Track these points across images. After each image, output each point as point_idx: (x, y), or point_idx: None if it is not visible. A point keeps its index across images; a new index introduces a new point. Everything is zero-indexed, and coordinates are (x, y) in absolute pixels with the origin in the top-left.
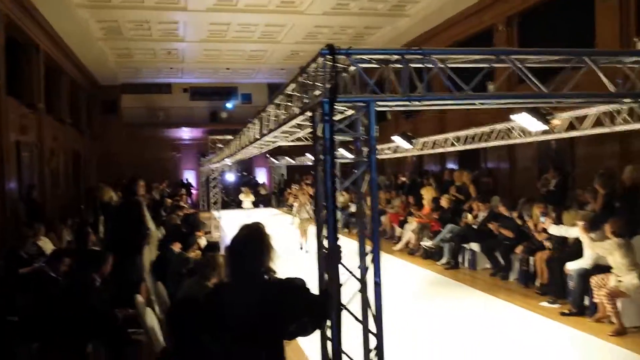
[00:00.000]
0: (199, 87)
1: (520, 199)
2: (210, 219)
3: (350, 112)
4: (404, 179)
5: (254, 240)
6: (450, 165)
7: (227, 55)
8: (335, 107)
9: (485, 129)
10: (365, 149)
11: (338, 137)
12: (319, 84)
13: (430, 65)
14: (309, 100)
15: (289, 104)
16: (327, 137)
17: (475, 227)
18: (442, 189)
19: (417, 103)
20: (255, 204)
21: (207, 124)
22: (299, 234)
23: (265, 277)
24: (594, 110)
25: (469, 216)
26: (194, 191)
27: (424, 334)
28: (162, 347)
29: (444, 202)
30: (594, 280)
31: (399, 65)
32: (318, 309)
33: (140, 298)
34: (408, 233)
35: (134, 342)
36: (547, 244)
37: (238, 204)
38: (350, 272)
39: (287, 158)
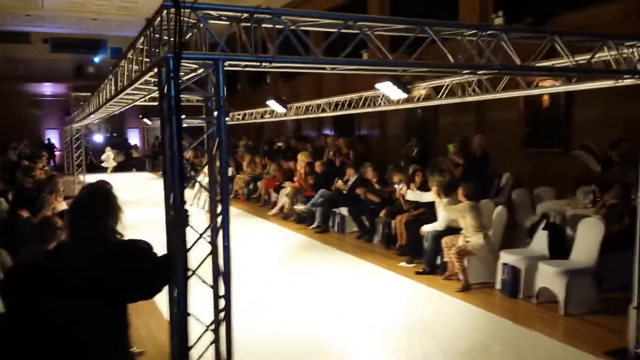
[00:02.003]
0: (62, 38)
1: (389, 165)
2: (74, 183)
3: (201, 70)
4: (280, 144)
5: (96, 200)
6: (326, 131)
7: (93, 4)
8: (185, 64)
9: (355, 95)
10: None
11: (186, 96)
12: (168, 39)
13: (281, 26)
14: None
15: (146, 59)
16: (172, 95)
17: (345, 192)
18: (317, 154)
19: (267, 64)
20: (128, 167)
21: (72, 79)
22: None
23: (109, 238)
24: (447, 81)
25: (339, 182)
26: (57, 152)
27: (287, 294)
28: None
29: (317, 167)
30: (445, 241)
31: (249, 24)
32: (159, 272)
33: None
34: (283, 198)
35: None
36: (406, 207)
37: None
38: (200, 235)
39: None
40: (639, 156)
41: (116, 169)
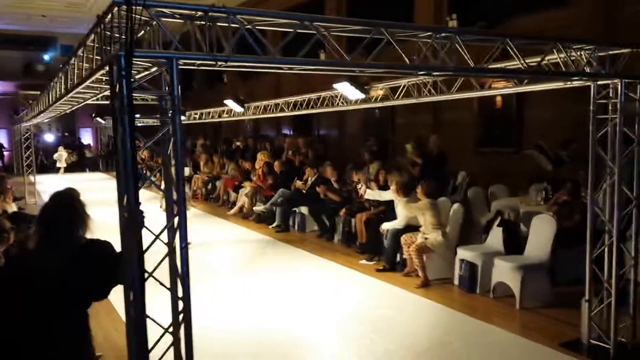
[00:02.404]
0: (9, 34)
1: (348, 165)
2: (24, 184)
3: (155, 69)
4: (238, 143)
5: (63, 207)
6: (285, 131)
7: (42, 1)
8: (137, 63)
9: (314, 95)
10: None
11: (139, 95)
12: (119, 37)
13: (236, 25)
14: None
15: (97, 57)
16: (124, 93)
17: (304, 191)
18: (276, 154)
19: (222, 63)
20: (81, 167)
21: (21, 77)
22: None
23: (75, 242)
24: (403, 82)
25: (299, 181)
26: (6, 152)
27: (248, 294)
28: None
29: (276, 167)
30: (404, 238)
31: (204, 23)
32: (108, 273)
33: None
34: (242, 198)
35: None
36: (367, 205)
37: (59, 168)
38: (157, 237)
39: None
40: (587, 155)
41: (69, 169)
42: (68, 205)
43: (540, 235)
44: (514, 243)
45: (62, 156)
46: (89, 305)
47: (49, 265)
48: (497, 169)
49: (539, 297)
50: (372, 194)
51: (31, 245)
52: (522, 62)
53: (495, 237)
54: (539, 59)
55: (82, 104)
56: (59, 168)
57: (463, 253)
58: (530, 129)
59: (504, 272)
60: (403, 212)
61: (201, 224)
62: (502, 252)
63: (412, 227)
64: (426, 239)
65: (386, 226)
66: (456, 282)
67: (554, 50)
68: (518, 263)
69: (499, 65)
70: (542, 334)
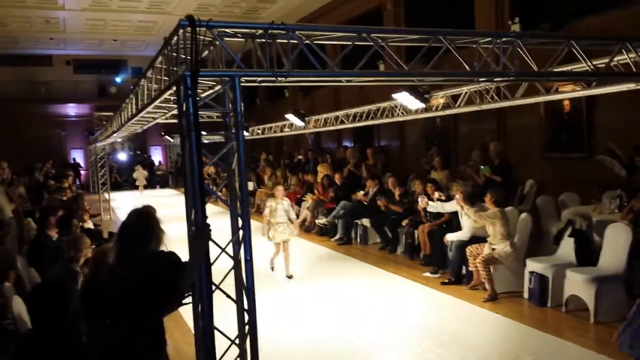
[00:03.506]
0: (83, 59)
1: (410, 175)
2: (99, 202)
3: (219, 87)
4: (300, 157)
5: (140, 224)
6: (346, 143)
7: (113, 25)
8: (202, 82)
9: (373, 106)
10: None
11: (205, 112)
12: (185, 57)
13: (295, 41)
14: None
15: (165, 78)
16: (190, 112)
17: (366, 203)
18: (337, 166)
19: (282, 79)
20: (152, 185)
21: (95, 99)
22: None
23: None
24: (465, 90)
25: (359, 193)
26: (82, 172)
27: (312, 306)
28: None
29: (337, 179)
30: (469, 249)
31: (264, 40)
32: (174, 281)
33: (7, 285)
34: (304, 211)
35: (6, 332)
36: (425, 220)
37: (132, 185)
38: (223, 249)
39: None
40: None
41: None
42: (143, 223)
43: (615, 245)
44: (587, 254)
45: (141, 175)
46: (162, 314)
47: (124, 277)
48: (567, 176)
49: (615, 310)
50: (434, 206)
51: (110, 260)
52: (589, 64)
53: (567, 248)
54: (606, 60)
55: (152, 123)
56: (138, 186)
57: (533, 265)
58: (601, 133)
59: (577, 285)
60: (469, 222)
61: (264, 238)
62: (574, 264)
63: (477, 239)
64: (493, 249)
65: (451, 237)
66: (526, 295)
67: (623, 50)
68: (592, 275)
69: (565, 69)
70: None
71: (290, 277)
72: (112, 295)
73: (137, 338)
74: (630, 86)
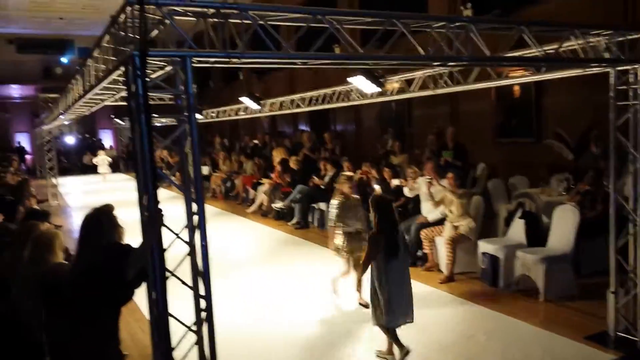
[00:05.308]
0: (27, 38)
1: (365, 160)
2: (47, 187)
3: (170, 68)
4: (255, 141)
5: (101, 219)
6: (302, 127)
7: (59, 3)
8: (153, 62)
9: (329, 90)
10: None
11: (156, 94)
12: (133, 37)
13: (249, 22)
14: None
15: (113, 58)
16: (140, 93)
17: (323, 187)
18: (293, 151)
19: (236, 60)
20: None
21: (40, 80)
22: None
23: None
24: (419, 74)
25: (315, 178)
26: (28, 156)
27: (269, 291)
28: None
29: (292, 163)
30: (424, 232)
31: (216, 20)
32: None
33: None
34: (261, 195)
35: None
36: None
37: (81, 169)
38: (177, 235)
39: None
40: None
41: (86, 171)
42: (95, 222)
43: (563, 226)
44: (537, 235)
45: (104, 160)
46: (115, 305)
47: (80, 272)
48: (517, 160)
49: (564, 289)
50: (410, 192)
51: (72, 259)
52: (539, 49)
53: (517, 229)
54: (556, 46)
55: (100, 105)
56: (100, 172)
57: (485, 246)
58: (550, 118)
59: (527, 265)
60: (428, 205)
61: (221, 222)
62: (525, 245)
63: (429, 223)
64: (456, 227)
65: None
66: (479, 275)
67: (572, 37)
68: (541, 255)
69: (515, 54)
70: (567, 326)
71: (366, 306)
72: (65, 286)
73: (85, 328)
74: (578, 72)
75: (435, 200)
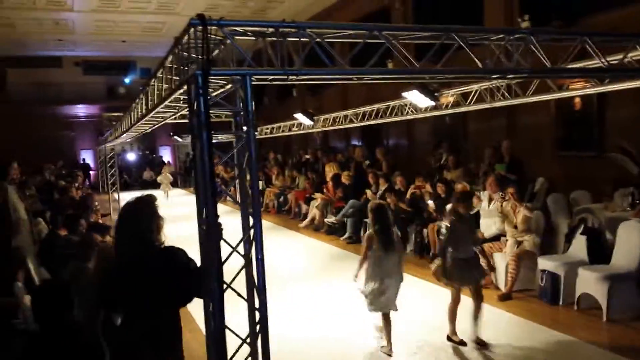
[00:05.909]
0: (93, 60)
1: (418, 174)
2: (109, 202)
3: (230, 86)
4: (307, 156)
5: (141, 207)
6: (354, 142)
7: (122, 27)
8: (214, 81)
9: (382, 105)
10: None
11: (215, 112)
12: (196, 57)
13: (306, 39)
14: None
15: (175, 77)
16: (202, 111)
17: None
18: (345, 165)
19: (293, 77)
20: (157, 185)
21: (104, 100)
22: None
23: (154, 243)
24: (475, 87)
25: (369, 191)
26: (92, 172)
27: (322, 305)
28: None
29: (344, 178)
30: (485, 248)
31: (275, 38)
32: (198, 278)
33: (19, 284)
34: (313, 210)
35: (16, 332)
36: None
37: (142, 185)
38: (234, 249)
39: None
40: None
41: (145, 186)
42: (142, 205)
43: (628, 243)
44: (599, 252)
45: (167, 178)
46: (176, 306)
47: (139, 272)
48: (578, 174)
49: (628, 308)
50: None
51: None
52: (603, 60)
53: (579, 246)
54: (620, 57)
55: (162, 122)
56: (165, 191)
57: (544, 263)
58: (613, 131)
59: (589, 283)
60: (494, 219)
61: (273, 236)
62: (587, 262)
63: (487, 239)
64: (520, 243)
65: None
66: (538, 293)
67: (637, 47)
68: (604, 273)
69: (577, 65)
70: (631, 347)
71: (483, 344)
72: (127, 290)
73: (152, 332)
74: None
75: (504, 214)
